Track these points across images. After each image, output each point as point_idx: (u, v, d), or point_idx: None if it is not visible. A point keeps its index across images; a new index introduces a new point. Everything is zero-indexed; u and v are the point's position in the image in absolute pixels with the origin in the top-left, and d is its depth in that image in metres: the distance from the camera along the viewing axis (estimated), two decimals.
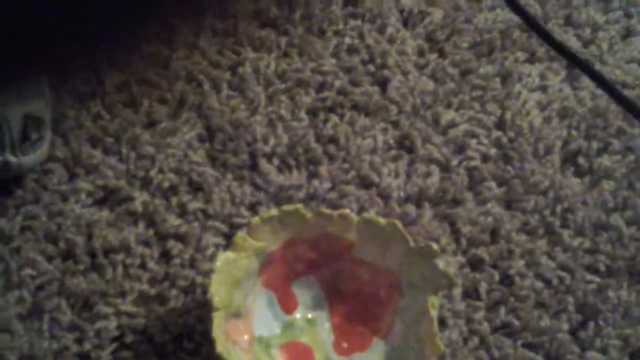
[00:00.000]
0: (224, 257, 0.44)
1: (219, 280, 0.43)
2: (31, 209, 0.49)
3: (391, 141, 0.56)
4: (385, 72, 0.58)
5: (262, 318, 0.48)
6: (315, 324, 0.49)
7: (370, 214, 0.48)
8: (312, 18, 0.59)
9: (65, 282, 0.47)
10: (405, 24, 0.61)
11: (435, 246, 0.46)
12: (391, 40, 0.60)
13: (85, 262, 0.48)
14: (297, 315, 0.49)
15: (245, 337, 0.46)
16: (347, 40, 0.59)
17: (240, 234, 0.45)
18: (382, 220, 0.47)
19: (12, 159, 0.46)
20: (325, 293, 0.50)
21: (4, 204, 0.49)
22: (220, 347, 0.42)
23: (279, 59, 0.57)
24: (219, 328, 0.42)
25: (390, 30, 0.60)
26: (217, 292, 0.43)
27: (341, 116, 0.56)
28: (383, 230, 0.47)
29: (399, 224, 0.47)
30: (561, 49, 0.60)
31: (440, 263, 0.46)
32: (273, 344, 0.47)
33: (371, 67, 0.58)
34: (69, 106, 0.53)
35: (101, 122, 0.53)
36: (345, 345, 0.49)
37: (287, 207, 0.46)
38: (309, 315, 0.49)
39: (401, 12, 0.62)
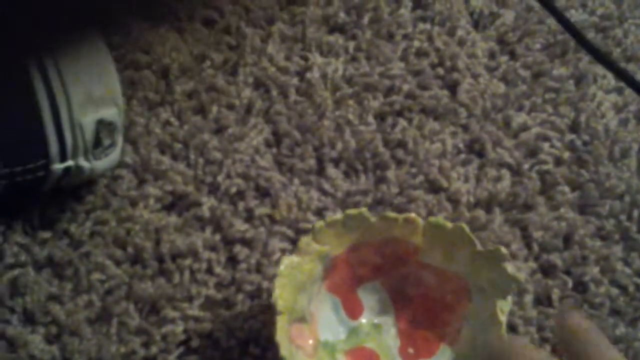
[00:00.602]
0: (287, 261, 0.43)
1: (283, 284, 0.43)
2: (101, 214, 0.50)
3: (461, 145, 0.55)
4: (455, 75, 0.57)
5: (327, 323, 0.47)
6: (380, 330, 0.48)
7: (437, 218, 0.47)
8: (381, 22, 0.59)
9: (133, 286, 0.48)
10: (475, 26, 0.60)
11: (503, 249, 0.44)
12: (461, 43, 0.59)
13: (153, 266, 0.48)
14: (363, 320, 0.48)
15: (310, 341, 0.45)
16: (416, 43, 0.58)
17: (305, 238, 0.44)
18: (449, 224, 0.45)
19: (84, 164, 0.47)
20: (390, 298, 0.49)
21: (74, 210, 0.50)
22: (283, 351, 0.41)
23: (346, 64, 0.57)
24: (283, 332, 0.42)
25: (460, 32, 0.59)
26: (281, 295, 0.42)
27: (409, 120, 0.55)
28: (450, 234, 0.46)
29: (466, 228, 0.46)
30: (602, 58, 0.58)
31: (509, 267, 0.44)
32: (338, 349, 0.47)
33: (440, 70, 0.57)
34: (139, 113, 0.53)
35: (170, 128, 0.53)
36: (411, 350, 0.48)
37: (351, 211, 0.45)
38: (375, 321, 0.48)
39: (471, 14, 0.61)
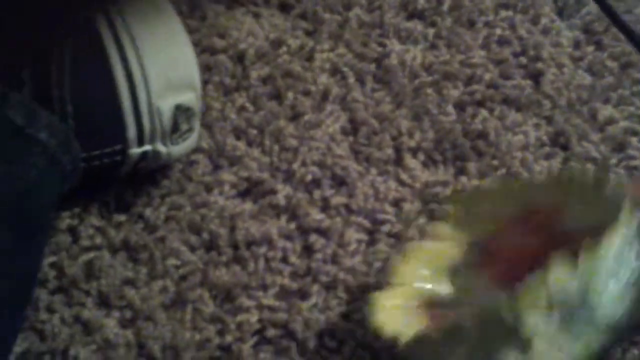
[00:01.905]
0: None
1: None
2: (176, 199, 0.49)
3: (544, 137, 0.53)
4: (539, 65, 0.55)
5: None
6: None
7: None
8: (462, 9, 0.57)
9: (208, 273, 0.47)
10: (560, 14, 0.58)
11: None
12: (545, 32, 0.57)
13: (227, 253, 0.48)
14: None
15: None
16: (498, 31, 0.57)
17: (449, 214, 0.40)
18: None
19: (162, 148, 0.46)
20: None
21: (150, 194, 0.49)
22: None
23: (425, 51, 0.56)
24: None
25: (544, 20, 0.57)
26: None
27: (491, 110, 0.53)
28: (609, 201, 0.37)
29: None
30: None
31: None
32: None
33: (523, 60, 0.56)
34: (215, 98, 0.53)
35: (245, 114, 0.52)
36: None
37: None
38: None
39: (555, 1, 0.59)
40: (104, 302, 0.45)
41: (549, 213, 0.39)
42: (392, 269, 0.38)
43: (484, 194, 0.39)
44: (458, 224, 0.40)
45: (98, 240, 0.47)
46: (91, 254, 0.47)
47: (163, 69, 0.45)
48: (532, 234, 0.40)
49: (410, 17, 0.57)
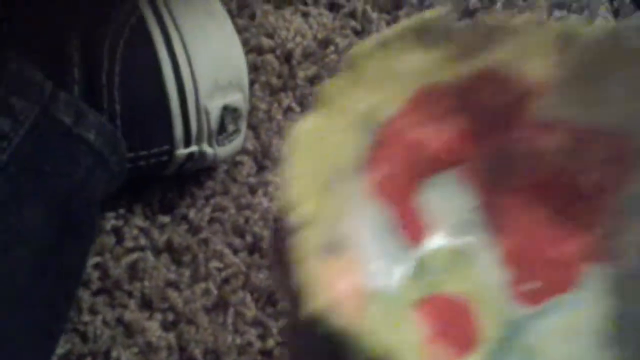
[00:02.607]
0: (305, 127, 0.23)
1: (302, 173, 0.22)
2: (220, 200, 0.49)
3: None
4: None
5: (373, 255, 0.26)
6: (466, 260, 0.28)
7: (570, 23, 0.28)
8: (514, 8, 0.56)
9: (251, 276, 0.47)
10: (616, 14, 0.57)
11: None
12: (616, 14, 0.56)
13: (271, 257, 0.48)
14: (434, 244, 0.28)
15: (349, 289, 0.25)
16: (557, 13, 0.55)
17: (333, 82, 0.24)
18: (592, 29, 0.24)
19: (208, 150, 0.46)
20: (482, 198, 0.28)
21: (194, 195, 0.49)
22: (321, 300, 0.20)
23: None
24: (315, 264, 0.21)
25: (599, 21, 0.56)
26: (303, 192, 0.22)
27: None
28: (596, 51, 0.24)
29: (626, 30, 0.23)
30: None
31: None
32: (399, 302, 0.27)
33: None
34: (261, 99, 0.52)
35: (292, 114, 0.52)
36: (533, 285, 0.27)
37: (419, 18, 0.24)
38: (456, 243, 0.28)
39: (611, 1, 0.57)
40: (146, 304, 0.45)
41: (510, 83, 0.25)
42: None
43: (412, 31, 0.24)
44: (358, 79, 0.24)
45: (142, 241, 0.47)
46: (135, 255, 0.47)
47: (211, 69, 0.45)
48: (462, 113, 0.26)
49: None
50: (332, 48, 0.54)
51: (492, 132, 0.27)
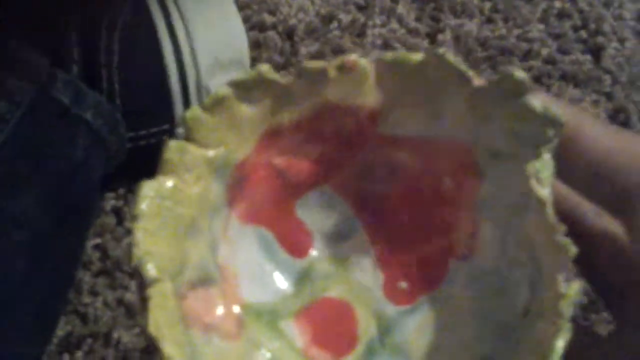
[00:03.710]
0: (152, 190, 0.25)
1: (150, 231, 0.24)
2: None
3: (603, 114, 0.51)
4: (599, 39, 0.53)
5: (255, 275, 0.28)
6: (347, 265, 0.29)
7: (395, 52, 0.30)
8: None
9: None
10: None
11: (519, 73, 0.24)
12: (607, 4, 0.54)
13: None
14: (314, 254, 0.29)
15: (232, 310, 0.27)
16: (557, 4, 0.54)
17: (173, 144, 0.25)
18: (416, 55, 0.25)
19: None
20: (352, 209, 0.29)
21: None
22: (169, 348, 0.22)
23: (481, 26, 0.54)
24: (165, 311, 0.23)
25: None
26: (149, 250, 0.23)
27: (548, 87, 0.51)
28: (422, 72, 0.26)
29: (448, 54, 0.25)
30: None
31: (535, 100, 0.25)
32: (283, 313, 0.28)
33: (583, 34, 0.53)
34: None
35: None
36: (404, 285, 0.29)
37: (242, 75, 0.25)
38: (334, 252, 0.29)
39: None
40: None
41: (350, 111, 0.27)
42: None
43: (236, 92, 0.25)
44: (197, 136, 0.25)
45: None
46: None
47: (212, 46, 0.45)
48: (314, 140, 0.28)
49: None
50: (335, 24, 0.54)
51: (348, 151, 0.28)
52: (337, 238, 0.29)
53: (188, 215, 0.25)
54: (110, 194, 0.47)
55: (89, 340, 0.43)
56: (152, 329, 0.22)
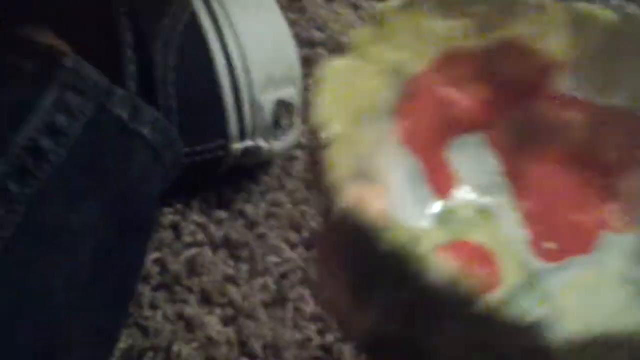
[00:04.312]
0: (336, 66, 0.24)
1: (332, 100, 0.24)
2: (276, 195, 0.49)
3: None
4: None
5: (400, 199, 0.27)
6: (490, 216, 0.29)
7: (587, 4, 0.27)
8: None
9: (308, 271, 0.46)
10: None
11: None
12: None
13: None
14: (458, 198, 0.28)
15: (379, 211, 0.24)
16: None
17: (363, 31, 0.25)
18: (607, 13, 0.25)
19: (263, 144, 0.46)
20: (504, 163, 0.29)
21: (250, 190, 0.49)
22: (346, 198, 0.21)
23: None
24: (342, 168, 0.22)
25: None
26: (334, 115, 0.23)
27: None
28: (609, 33, 0.25)
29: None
30: None
31: None
32: (425, 241, 0.25)
33: None
34: None
35: None
36: (552, 245, 0.28)
37: None
38: (479, 201, 0.29)
39: None
40: (206, 299, 0.45)
41: (533, 56, 0.26)
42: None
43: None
44: (387, 34, 0.25)
45: (200, 236, 0.47)
46: (193, 251, 0.47)
47: (265, 63, 0.45)
48: (485, 79, 0.27)
49: None
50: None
51: (515, 101, 0.28)
52: (484, 188, 0.28)
53: (360, 105, 0.25)
54: (168, 209, 0.47)
55: (150, 354, 0.43)
56: (332, 179, 0.22)
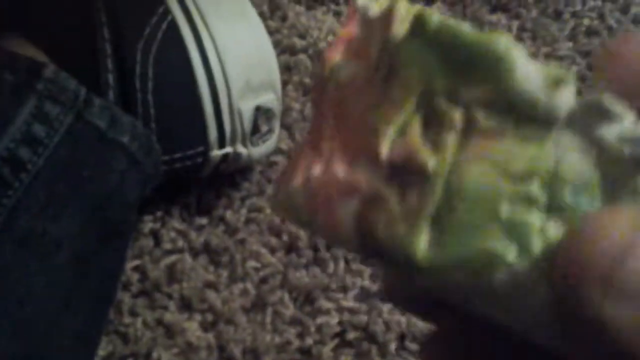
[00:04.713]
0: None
1: None
2: (256, 201, 0.49)
3: None
4: None
5: None
6: None
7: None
8: (548, 0, 0.55)
9: (288, 275, 0.47)
10: None
11: None
12: (636, 21, 0.55)
13: (307, 255, 0.47)
14: None
15: None
16: (586, 21, 0.55)
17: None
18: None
19: (242, 150, 0.46)
20: None
21: (230, 196, 0.49)
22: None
23: None
24: None
25: (634, 9, 0.55)
26: None
27: None
28: None
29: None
30: None
31: None
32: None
33: None
34: (294, 99, 0.52)
35: None
36: None
37: None
38: None
39: None
40: (185, 305, 0.46)
41: None
42: None
43: None
44: None
45: (180, 243, 0.47)
46: (173, 257, 0.47)
47: (243, 70, 0.45)
48: None
49: (494, 9, 0.56)
50: None
51: None
52: None
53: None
54: (148, 217, 0.48)
55: None
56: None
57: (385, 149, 0.19)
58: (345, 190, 0.19)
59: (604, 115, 0.17)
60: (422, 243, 0.18)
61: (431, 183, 0.18)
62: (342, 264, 0.47)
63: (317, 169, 0.20)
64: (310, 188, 0.20)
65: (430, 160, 0.18)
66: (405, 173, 0.18)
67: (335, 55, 0.21)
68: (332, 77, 0.21)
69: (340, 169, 0.20)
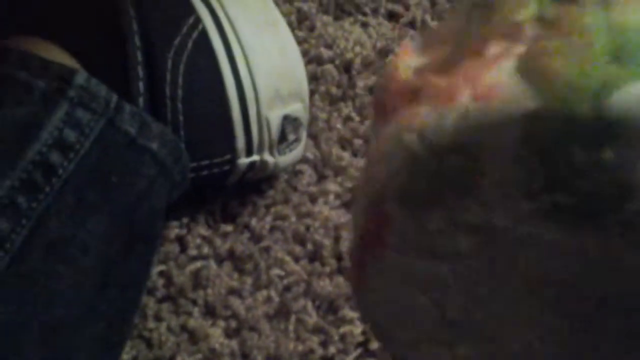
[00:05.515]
0: None
1: None
2: (281, 209, 0.49)
3: None
4: None
5: None
6: None
7: None
8: None
9: (312, 283, 0.47)
10: None
11: None
12: None
13: (331, 264, 0.48)
14: None
15: None
16: None
17: None
18: None
19: (269, 159, 0.47)
20: None
21: (255, 204, 0.50)
22: None
23: None
24: None
25: None
26: None
27: None
28: None
29: None
30: None
31: None
32: None
33: None
34: (321, 108, 0.53)
35: (351, 124, 0.52)
36: None
37: None
38: None
39: None
40: (210, 312, 0.46)
41: None
42: None
43: None
44: None
45: (205, 250, 0.48)
46: (198, 264, 0.47)
47: (272, 79, 0.46)
48: None
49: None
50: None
51: None
52: None
53: None
54: (174, 222, 0.48)
55: None
56: None
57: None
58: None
59: None
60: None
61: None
62: None
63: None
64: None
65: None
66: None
67: None
68: None
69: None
